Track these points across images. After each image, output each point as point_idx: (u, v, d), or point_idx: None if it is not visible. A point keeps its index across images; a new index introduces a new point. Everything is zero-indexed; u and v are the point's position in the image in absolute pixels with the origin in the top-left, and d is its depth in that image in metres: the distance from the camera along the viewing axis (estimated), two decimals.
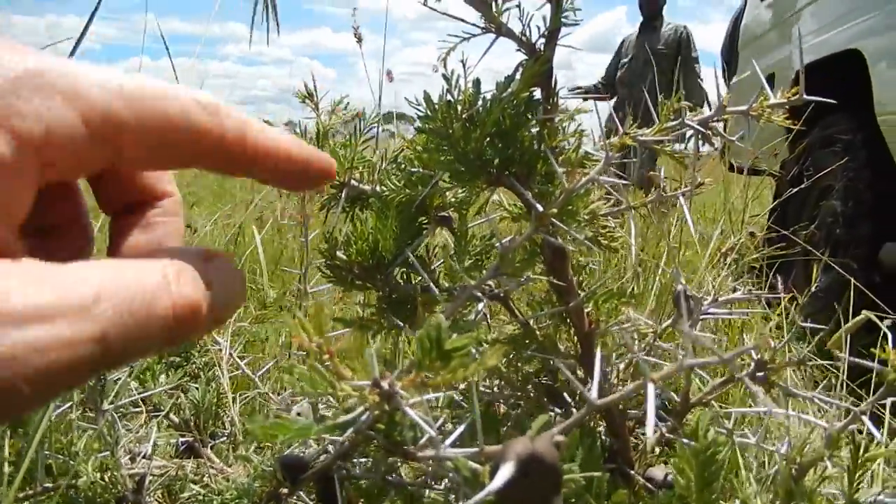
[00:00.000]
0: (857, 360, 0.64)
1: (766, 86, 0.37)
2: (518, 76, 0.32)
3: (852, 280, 1.93)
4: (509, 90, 0.30)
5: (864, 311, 0.60)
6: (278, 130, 0.26)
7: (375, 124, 0.44)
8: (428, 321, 0.28)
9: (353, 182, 0.39)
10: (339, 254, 0.38)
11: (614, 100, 5.23)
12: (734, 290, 0.44)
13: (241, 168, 0.25)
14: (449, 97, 0.33)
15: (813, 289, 2.09)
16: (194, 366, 0.76)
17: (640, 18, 5.49)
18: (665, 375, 0.33)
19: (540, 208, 0.30)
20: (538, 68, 0.31)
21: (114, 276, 0.20)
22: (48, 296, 0.18)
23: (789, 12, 3.01)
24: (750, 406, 1.18)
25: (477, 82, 0.33)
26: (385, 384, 0.28)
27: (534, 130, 0.32)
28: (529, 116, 0.32)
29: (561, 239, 0.33)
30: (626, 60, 5.10)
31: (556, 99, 0.34)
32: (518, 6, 0.33)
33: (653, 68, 4.18)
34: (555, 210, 0.29)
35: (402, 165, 0.36)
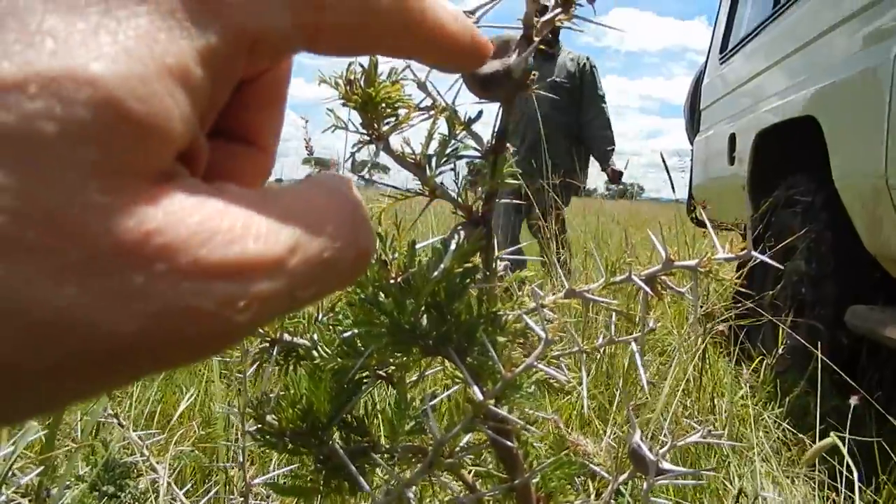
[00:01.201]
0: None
1: (715, 239, 0.36)
2: (455, 242, 0.30)
3: (820, 341, 1.95)
4: (441, 266, 0.29)
5: (831, 434, 0.58)
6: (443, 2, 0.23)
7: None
8: None
9: (286, 336, 0.37)
10: (270, 418, 0.35)
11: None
12: (693, 429, 0.42)
13: (417, 53, 0.23)
14: (384, 259, 0.32)
15: (780, 350, 2.10)
16: (129, 496, 0.71)
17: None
18: None
19: (479, 394, 0.28)
20: (472, 248, 0.30)
21: (308, 222, 0.19)
22: (252, 247, 0.17)
23: (747, 76, 3.12)
24: None
25: (412, 244, 0.31)
26: None
27: (474, 293, 0.31)
28: (467, 285, 0.30)
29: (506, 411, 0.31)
30: None
31: (496, 265, 0.32)
32: (453, 169, 0.32)
33: (549, 105, 3.67)
34: (492, 401, 0.28)
35: (339, 318, 0.34)
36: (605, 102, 4.17)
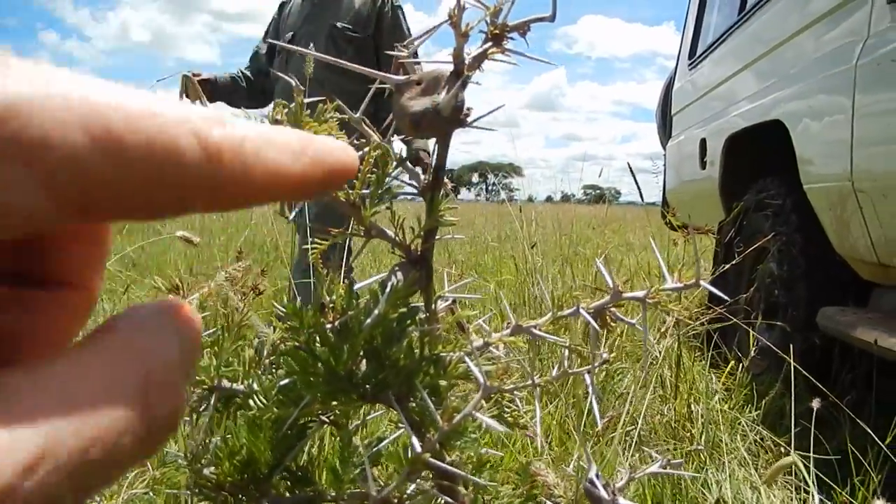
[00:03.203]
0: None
1: (665, 269, 0.35)
2: (391, 285, 0.29)
3: (793, 343, 1.97)
4: (375, 312, 0.28)
5: (790, 456, 0.58)
6: (280, 138, 0.19)
7: None
8: None
9: (224, 383, 0.36)
10: (208, 472, 0.34)
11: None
12: (651, 459, 0.42)
13: (240, 206, 0.19)
14: (322, 301, 0.30)
15: (752, 353, 2.12)
16: None
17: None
18: None
19: (417, 446, 0.27)
20: (406, 291, 0.29)
21: (71, 410, 0.15)
22: None
23: (716, 82, 3.15)
24: None
25: (350, 286, 0.30)
26: None
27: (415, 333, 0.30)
28: (405, 328, 0.29)
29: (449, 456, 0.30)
30: (288, 37, 2.84)
31: (435, 306, 0.31)
32: (388, 207, 0.31)
33: (328, 66, 2.43)
34: (429, 453, 0.26)
35: (279, 362, 0.33)
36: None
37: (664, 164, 4.11)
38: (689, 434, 1.66)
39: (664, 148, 4.14)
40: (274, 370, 0.35)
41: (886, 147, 1.74)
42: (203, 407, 0.35)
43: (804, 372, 1.57)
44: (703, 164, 3.15)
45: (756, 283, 2.51)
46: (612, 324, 0.34)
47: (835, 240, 2.06)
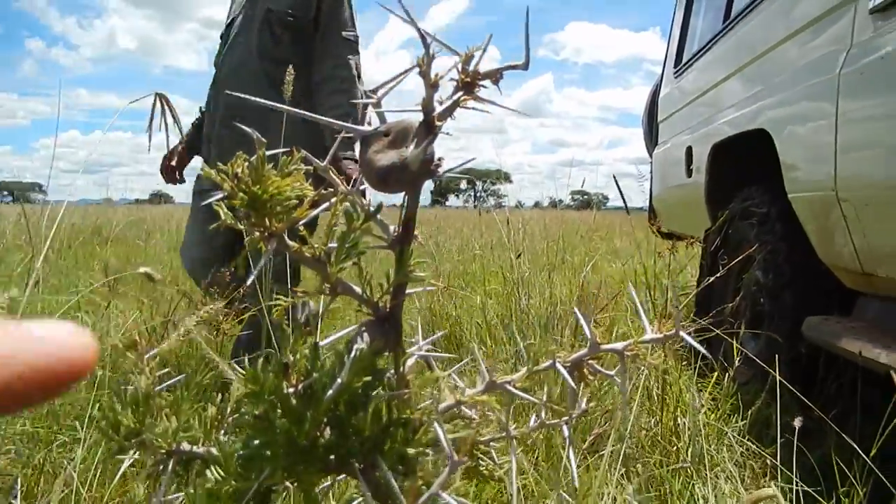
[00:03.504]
0: None
1: (644, 320, 0.34)
2: (356, 348, 0.27)
3: (778, 352, 1.97)
4: (339, 382, 0.26)
5: (771, 485, 0.57)
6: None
7: None
8: None
9: (183, 446, 0.34)
10: None
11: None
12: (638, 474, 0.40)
13: None
14: (284, 361, 0.29)
15: (737, 362, 2.11)
16: None
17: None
18: None
19: None
20: (370, 359, 0.27)
21: None
22: None
23: (701, 90, 3.16)
24: None
25: (314, 347, 0.29)
26: None
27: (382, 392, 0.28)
28: (370, 396, 0.28)
29: None
30: (228, 22, 2.53)
31: (404, 367, 0.30)
32: (356, 262, 0.29)
33: (263, 45, 2.24)
34: None
35: (240, 427, 0.31)
36: (354, 52, 2.31)
37: (650, 171, 4.12)
38: (675, 448, 1.65)
39: (650, 155, 4.16)
40: (237, 431, 0.33)
41: (870, 156, 1.75)
42: (161, 471, 0.33)
43: (788, 385, 1.57)
44: (690, 172, 3.16)
45: (742, 291, 2.51)
46: (591, 377, 0.33)
47: (819, 248, 2.06)
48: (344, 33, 2.28)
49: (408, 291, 0.29)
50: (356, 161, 2.18)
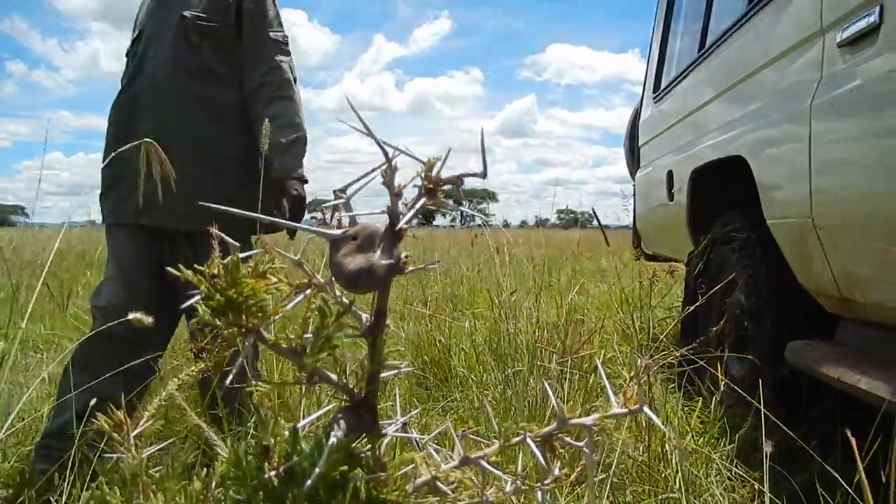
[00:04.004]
0: None
1: (611, 394, 0.36)
2: (334, 435, 0.29)
3: (761, 376, 1.99)
4: (316, 471, 0.28)
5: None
6: None
7: None
8: None
9: None
10: None
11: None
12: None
13: None
14: (265, 444, 0.30)
15: (721, 386, 2.14)
16: None
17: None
18: None
19: None
20: (347, 449, 0.29)
21: None
22: None
23: (680, 116, 3.23)
24: None
25: (294, 431, 0.30)
26: None
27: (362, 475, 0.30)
28: (347, 480, 0.29)
29: None
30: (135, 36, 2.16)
31: (380, 450, 0.31)
32: (331, 353, 0.31)
33: (180, 57, 1.95)
34: None
35: (227, 498, 0.33)
36: (285, 54, 2.04)
37: (633, 193, 4.18)
38: (663, 476, 1.66)
39: (633, 178, 4.21)
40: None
41: (842, 185, 1.79)
42: None
43: (766, 412, 1.59)
44: (671, 196, 3.21)
45: (725, 315, 2.55)
46: (561, 450, 0.34)
47: (798, 273, 2.10)
48: (271, 34, 2.01)
49: (383, 376, 0.31)
50: (302, 181, 1.97)
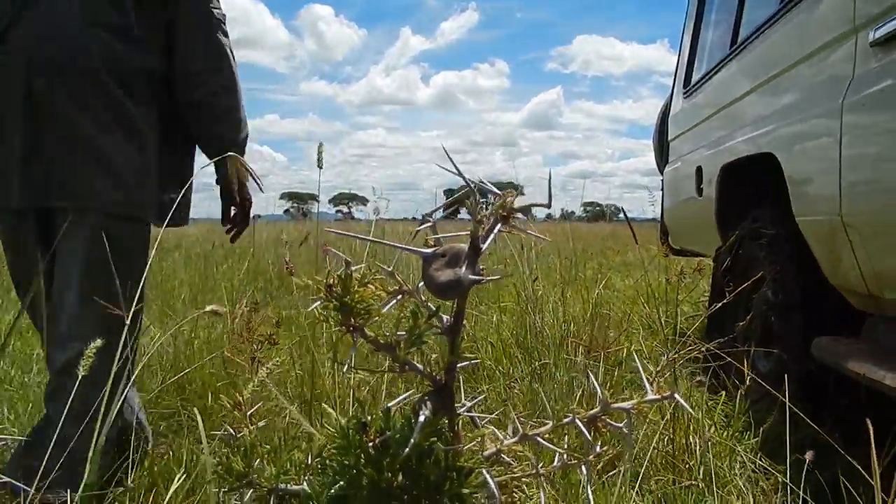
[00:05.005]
0: None
1: (646, 383, 0.42)
2: (423, 414, 0.36)
3: (788, 372, 2.02)
4: (412, 441, 0.34)
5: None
6: None
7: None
8: None
9: (280, 486, 0.42)
10: None
11: None
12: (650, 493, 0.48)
13: None
14: (363, 421, 0.37)
15: (748, 381, 2.17)
16: None
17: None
18: None
19: None
20: (437, 422, 0.35)
21: None
22: None
23: (709, 111, 3.24)
24: None
25: (386, 412, 0.37)
26: None
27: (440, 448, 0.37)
28: (433, 448, 0.36)
29: None
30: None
31: (458, 426, 0.38)
32: (420, 348, 0.37)
33: (94, 8, 1.59)
34: None
35: (326, 466, 0.40)
36: (226, 36, 1.75)
37: (661, 187, 4.19)
38: (687, 467, 1.72)
39: (661, 172, 4.22)
40: (320, 471, 0.42)
41: (872, 184, 1.82)
42: None
43: (796, 405, 1.63)
44: (700, 192, 3.23)
45: (753, 310, 2.57)
46: (603, 430, 0.41)
47: (827, 271, 2.12)
48: (214, 10, 1.71)
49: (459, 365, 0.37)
50: (244, 183, 1.74)
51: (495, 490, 0.36)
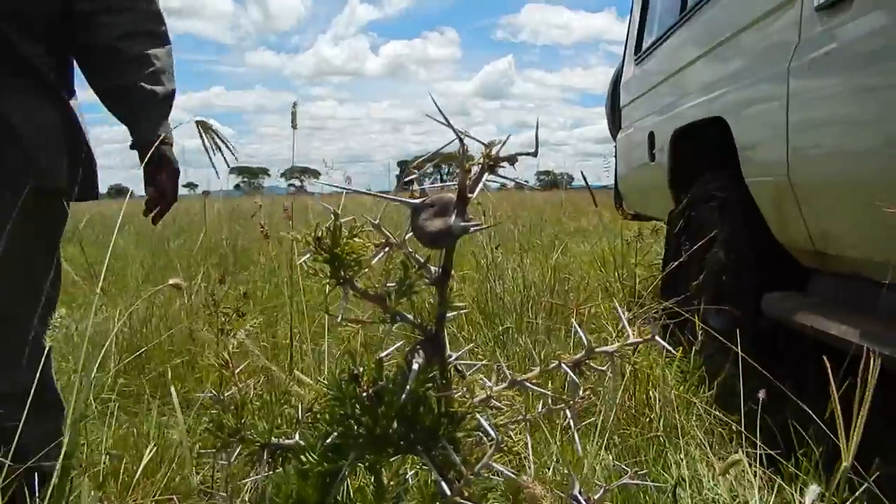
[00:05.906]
0: None
1: (627, 326, 0.44)
2: (416, 362, 0.37)
3: (740, 327, 2.11)
4: (408, 388, 0.35)
5: (738, 451, 0.68)
6: None
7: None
8: None
9: (273, 440, 0.43)
10: None
11: None
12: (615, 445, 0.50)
13: None
14: (355, 373, 0.38)
15: (700, 337, 2.26)
16: None
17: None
18: None
19: (446, 489, 0.35)
20: (431, 370, 0.36)
21: None
22: None
23: (662, 78, 3.29)
24: None
25: (379, 362, 0.38)
26: None
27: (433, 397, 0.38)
28: (427, 395, 0.37)
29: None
30: None
31: (450, 373, 0.39)
32: (410, 299, 0.38)
33: None
34: (458, 497, 0.34)
35: (318, 419, 0.41)
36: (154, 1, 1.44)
37: (615, 154, 4.26)
38: (648, 419, 1.78)
39: (614, 139, 4.28)
40: (311, 425, 0.42)
41: (818, 147, 1.89)
42: (257, 459, 0.42)
43: (749, 358, 1.70)
44: (653, 157, 3.29)
45: (705, 270, 2.66)
46: (588, 373, 0.43)
47: (776, 231, 2.20)
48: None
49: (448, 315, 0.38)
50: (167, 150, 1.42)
51: (491, 431, 0.37)
